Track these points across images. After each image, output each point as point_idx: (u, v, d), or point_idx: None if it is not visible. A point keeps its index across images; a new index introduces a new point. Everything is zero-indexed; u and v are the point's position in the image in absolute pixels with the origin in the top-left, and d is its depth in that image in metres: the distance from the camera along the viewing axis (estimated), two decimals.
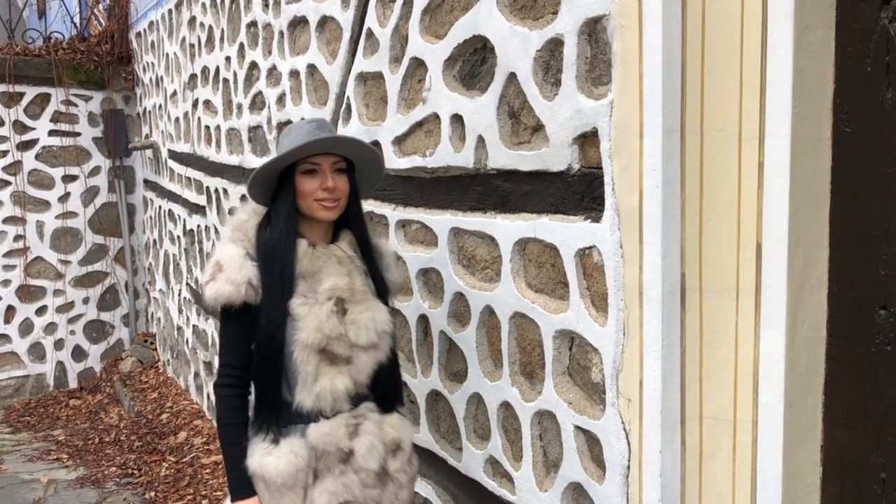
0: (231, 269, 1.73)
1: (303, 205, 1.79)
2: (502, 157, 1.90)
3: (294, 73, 3.13)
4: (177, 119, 5.11)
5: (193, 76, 4.60)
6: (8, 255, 5.96)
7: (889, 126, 1.26)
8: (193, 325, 5.15)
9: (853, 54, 1.32)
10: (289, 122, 3.24)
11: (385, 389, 1.90)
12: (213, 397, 4.83)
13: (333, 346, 1.75)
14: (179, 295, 5.46)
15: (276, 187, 1.82)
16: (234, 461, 1.76)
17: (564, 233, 1.72)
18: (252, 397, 1.83)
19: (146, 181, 6.26)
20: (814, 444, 1.43)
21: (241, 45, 3.72)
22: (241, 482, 1.75)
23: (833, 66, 1.35)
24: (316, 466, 1.75)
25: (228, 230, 1.83)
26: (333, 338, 1.74)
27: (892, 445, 1.30)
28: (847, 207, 1.36)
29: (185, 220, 5.12)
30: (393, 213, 2.46)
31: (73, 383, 6.28)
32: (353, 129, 2.66)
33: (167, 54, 5.19)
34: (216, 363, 4.66)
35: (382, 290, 1.90)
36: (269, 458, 1.72)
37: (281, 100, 3.29)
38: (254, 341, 1.76)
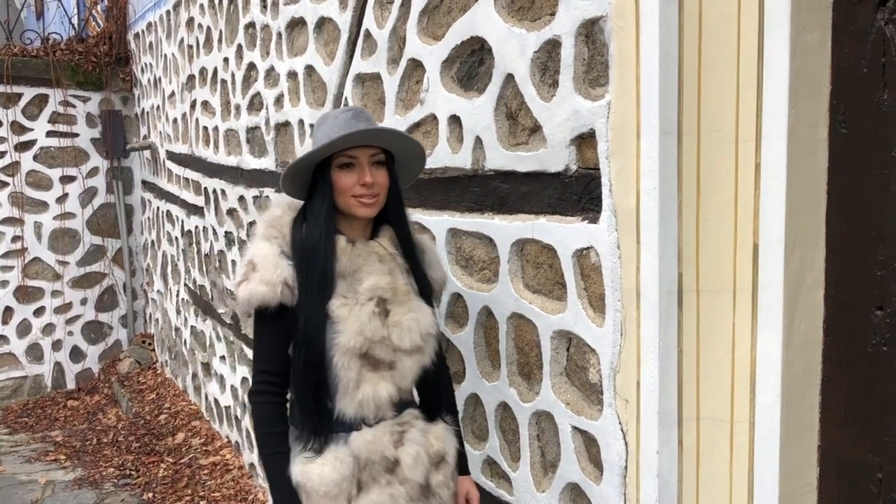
0: (266, 269, 1.62)
1: (340, 201, 1.68)
2: (500, 158, 1.90)
3: (292, 74, 3.13)
4: (175, 120, 5.11)
5: (191, 77, 4.60)
6: (6, 256, 5.96)
7: (885, 127, 1.27)
8: (191, 326, 5.14)
9: (849, 56, 1.32)
10: (286, 123, 3.24)
11: (429, 396, 1.80)
12: (210, 398, 4.84)
13: (376, 351, 1.63)
14: (177, 296, 5.46)
15: (312, 182, 1.71)
16: (277, 470, 1.64)
17: (562, 233, 1.72)
18: (289, 404, 1.74)
19: (144, 182, 6.26)
20: (810, 445, 1.43)
21: (240, 47, 3.72)
22: (288, 493, 1.63)
23: (829, 67, 1.36)
24: (360, 477, 1.64)
25: (262, 226, 1.72)
26: (376, 341, 1.63)
27: (889, 445, 1.31)
28: (843, 208, 1.36)
29: (183, 221, 5.11)
30: None
31: (70, 384, 6.27)
32: None
33: (165, 55, 5.19)
34: (215, 364, 4.67)
35: (426, 290, 1.77)
36: (311, 465, 1.62)
37: (279, 101, 3.29)
38: (291, 346, 1.66)
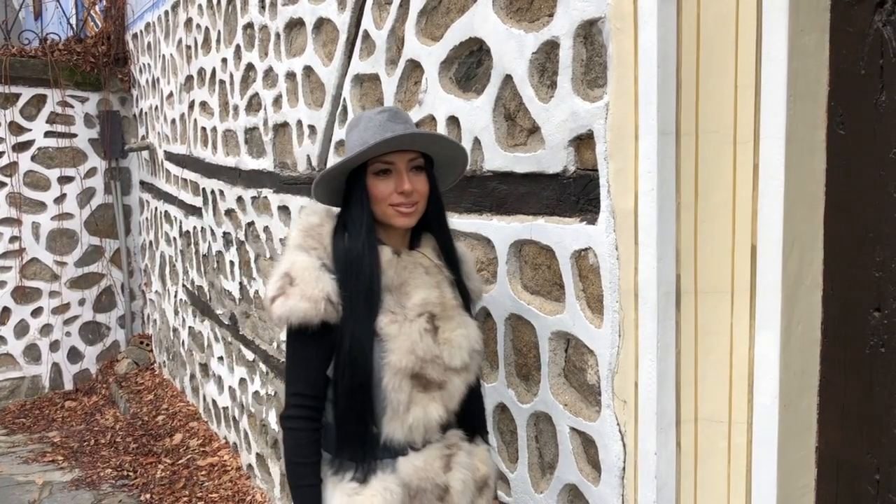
0: (306, 283, 1.48)
1: (377, 210, 1.55)
2: (498, 158, 1.90)
3: (290, 75, 3.13)
4: (173, 120, 5.10)
5: (190, 78, 4.60)
6: (3, 256, 5.95)
7: (883, 128, 1.27)
8: (189, 327, 5.14)
9: (847, 57, 1.33)
10: (285, 123, 3.24)
11: (471, 415, 1.70)
12: (208, 399, 4.83)
13: (427, 370, 1.52)
14: (175, 297, 5.45)
15: (347, 188, 1.59)
16: None
17: (560, 234, 1.72)
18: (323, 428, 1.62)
19: (142, 183, 6.26)
20: (808, 446, 1.43)
21: (238, 47, 3.72)
22: None
23: (827, 68, 1.36)
24: None
25: (297, 236, 1.57)
26: (427, 360, 1.51)
27: (886, 446, 1.31)
28: (841, 210, 1.36)
29: (181, 222, 5.11)
30: None
31: (68, 385, 6.26)
32: None
33: (164, 56, 5.19)
34: (213, 365, 4.67)
35: (468, 302, 1.67)
36: (357, 498, 1.49)
37: (277, 101, 3.29)
38: (333, 366, 1.53)
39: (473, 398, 1.68)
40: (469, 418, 1.69)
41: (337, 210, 1.63)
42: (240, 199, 3.87)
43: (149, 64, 5.67)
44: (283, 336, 1.63)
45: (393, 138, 1.49)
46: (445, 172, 1.68)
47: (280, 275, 1.51)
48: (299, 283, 1.48)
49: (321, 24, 2.85)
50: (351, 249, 1.52)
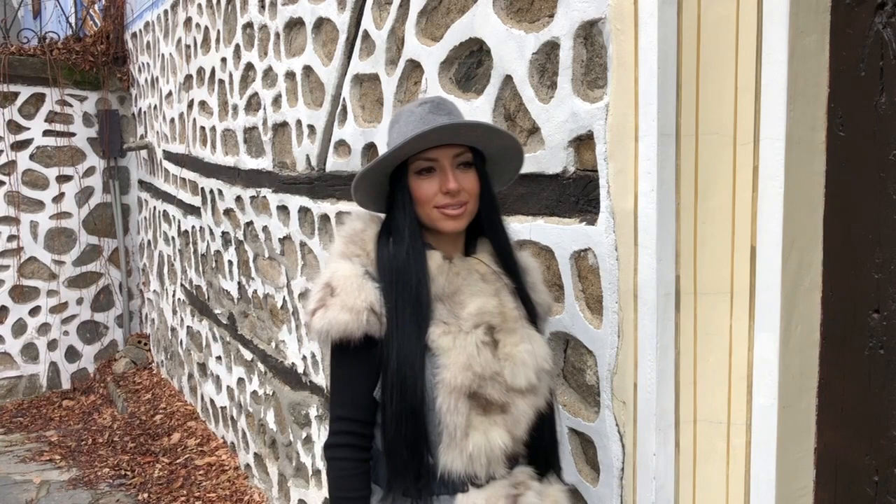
0: (347, 293, 1.34)
1: (421, 213, 1.39)
2: None
3: (290, 75, 3.13)
4: (172, 120, 5.10)
5: (189, 77, 4.60)
6: (1, 255, 5.94)
7: (883, 130, 1.27)
8: (188, 327, 5.13)
9: (847, 59, 1.33)
10: (284, 123, 3.24)
11: (542, 448, 1.47)
12: (206, 398, 4.83)
13: (486, 389, 1.32)
14: (174, 296, 5.45)
15: (390, 191, 1.43)
16: None
17: (560, 235, 1.72)
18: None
19: (141, 182, 6.25)
20: (807, 447, 1.43)
21: (237, 47, 3.72)
22: None
23: (827, 70, 1.36)
24: None
25: (340, 243, 1.44)
26: (487, 378, 1.32)
27: (885, 448, 1.31)
28: (841, 211, 1.36)
29: (179, 221, 5.11)
30: None
31: (66, 384, 6.26)
32: (349, 130, 2.66)
33: (163, 55, 5.18)
34: (211, 364, 4.67)
35: (533, 315, 1.46)
36: None
37: (277, 101, 3.29)
38: (380, 386, 1.36)
39: (545, 428, 1.45)
40: (539, 452, 1.46)
41: (383, 215, 1.47)
42: (238, 199, 3.87)
43: (148, 63, 5.67)
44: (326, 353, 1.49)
45: (430, 131, 1.31)
46: (500, 169, 1.49)
47: (321, 286, 1.38)
48: (340, 293, 1.35)
49: (321, 23, 2.85)
50: (396, 256, 1.37)
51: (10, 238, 5.95)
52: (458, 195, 1.36)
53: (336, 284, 1.36)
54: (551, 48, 1.71)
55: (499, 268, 1.44)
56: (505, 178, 1.54)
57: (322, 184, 2.92)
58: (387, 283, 1.36)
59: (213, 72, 4.14)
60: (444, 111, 1.40)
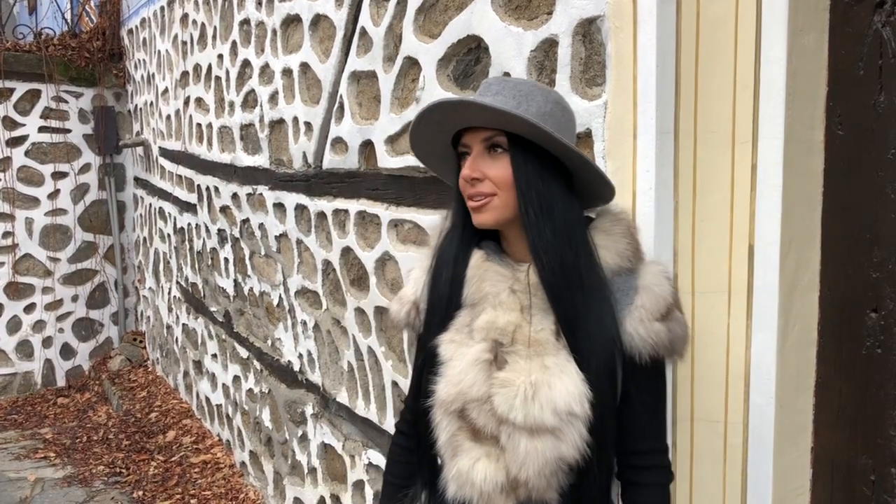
0: (408, 283, 1.33)
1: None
2: None
3: (287, 72, 3.12)
4: (168, 116, 5.08)
5: (185, 74, 4.58)
6: None
7: (881, 129, 1.27)
8: (183, 324, 5.12)
9: (846, 58, 1.32)
10: (281, 120, 3.23)
11: None
12: (202, 396, 4.82)
13: (472, 412, 1.16)
14: (169, 293, 5.43)
15: None
16: None
17: None
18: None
19: (137, 179, 6.23)
20: (804, 446, 1.43)
21: (234, 43, 3.71)
22: None
23: (826, 69, 1.36)
24: None
25: (433, 232, 1.35)
26: (472, 399, 1.15)
27: (882, 448, 1.31)
28: (839, 210, 1.36)
29: (175, 218, 5.09)
30: (385, 212, 2.46)
31: (61, 381, 6.24)
32: (346, 128, 2.65)
33: (159, 51, 5.17)
34: (206, 362, 4.66)
35: (584, 348, 1.15)
36: None
37: (273, 98, 3.28)
38: None
39: (597, 490, 1.18)
40: None
41: None
42: (235, 196, 3.86)
43: (144, 60, 5.65)
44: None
45: (434, 106, 1.16)
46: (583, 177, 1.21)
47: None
48: (407, 281, 1.33)
49: (318, 20, 2.84)
50: (444, 249, 1.27)
51: (5, 235, 5.93)
52: (478, 185, 1.17)
53: (411, 275, 1.34)
54: (550, 46, 1.70)
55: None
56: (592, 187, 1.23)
57: (319, 181, 2.91)
58: (428, 279, 1.29)
59: (209, 68, 4.13)
60: (494, 90, 1.18)
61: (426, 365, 1.24)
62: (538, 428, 1.12)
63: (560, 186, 1.17)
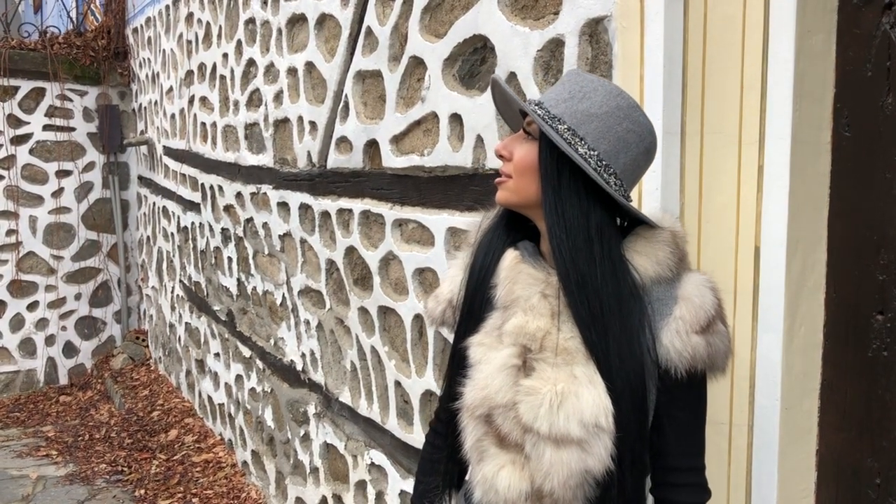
0: (445, 281, 1.29)
1: None
2: None
3: (292, 71, 3.12)
4: (172, 115, 5.09)
5: (190, 73, 4.59)
6: (0, 249, 5.93)
7: (889, 131, 1.27)
8: (186, 323, 5.12)
9: (854, 59, 1.32)
10: (285, 119, 3.23)
11: None
12: (204, 395, 4.82)
13: (497, 419, 1.12)
14: (172, 292, 5.43)
15: None
16: None
17: None
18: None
19: (140, 178, 6.24)
20: (809, 449, 1.43)
21: (239, 42, 3.71)
22: None
23: (834, 70, 1.35)
24: None
25: (471, 229, 1.33)
26: (498, 405, 1.12)
27: (887, 450, 1.30)
28: (846, 212, 1.36)
29: (179, 217, 5.09)
30: (389, 211, 2.46)
31: (63, 379, 6.24)
32: (351, 127, 2.65)
33: (164, 50, 5.17)
34: (209, 361, 4.66)
35: (610, 359, 1.10)
36: None
37: (278, 97, 3.28)
38: None
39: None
40: None
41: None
42: (239, 195, 3.86)
43: (149, 58, 5.66)
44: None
45: (493, 81, 1.23)
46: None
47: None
48: (445, 278, 1.30)
49: (323, 19, 2.84)
50: (483, 247, 1.23)
51: (9, 233, 5.94)
52: (504, 164, 1.17)
53: (447, 271, 1.32)
54: (556, 45, 1.70)
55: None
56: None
57: (323, 180, 2.91)
58: (465, 277, 1.25)
59: (214, 67, 4.13)
60: (561, 81, 1.19)
61: (456, 366, 1.21)
62: (563, 439, 1.07)
63: (576, 190, 1.11)
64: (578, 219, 1.11)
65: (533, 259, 1.18)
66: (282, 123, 3.30)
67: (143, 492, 4.07)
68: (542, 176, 1.12)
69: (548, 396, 1.08)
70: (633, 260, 1.13)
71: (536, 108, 1.12)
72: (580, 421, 1.06)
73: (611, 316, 1.10)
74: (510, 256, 1.18)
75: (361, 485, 2.79)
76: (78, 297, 6.27)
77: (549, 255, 1.17)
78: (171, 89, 5.09)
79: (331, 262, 2.92)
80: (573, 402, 1.07)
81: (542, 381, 1.09)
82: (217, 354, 4.50)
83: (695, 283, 1.13)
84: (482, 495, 1.14)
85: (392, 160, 2.40)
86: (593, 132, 1.10)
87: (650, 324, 1.11)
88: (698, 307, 1.10)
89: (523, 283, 1.16)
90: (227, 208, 4.07)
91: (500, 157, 1.17)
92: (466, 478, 1.21)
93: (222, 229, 4.19)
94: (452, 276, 1.28)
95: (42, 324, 6.14)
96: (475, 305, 1.21)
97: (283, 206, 3.31)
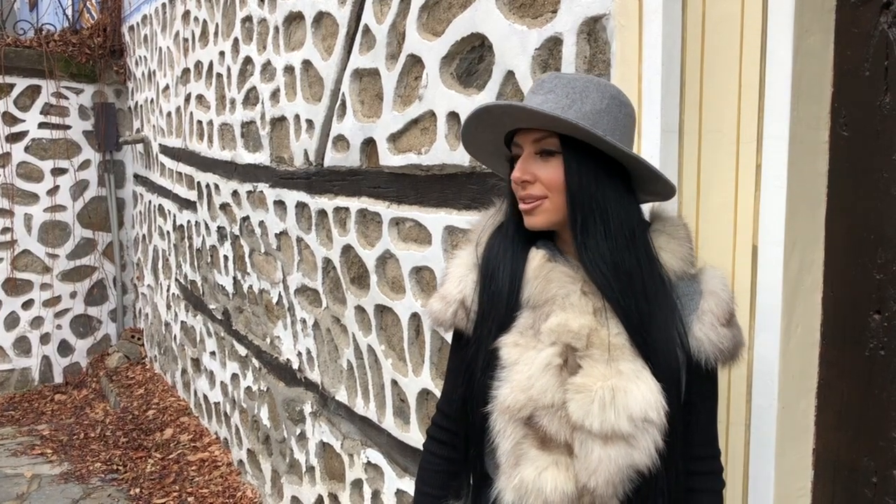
0: (451, 281, 1.26)
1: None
2: None
3: (289, 69, 3.11)
4: (169, 113, 5.08)
5: (186, 71, 4.57)
6: None
7: (887, 130, 1.27)
8: (182, 322, 5.11)
9: (852, 58, 1.32)
10: (282, 118, 3.22)
11: None
12: (200, 394, 4.81)
13: (543, 420, 1.11)
14: (168, 291, 5.42)
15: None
16: None
17: None
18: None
19: (136, 176, 6.22)
20: (806, 448, 1.43)
21: (236, 40, 3.70)
22: None
23: (832, 69, 1.36)
24: None
25: (474, 226, 1.33)
26: (544, 406, 1.11)
27: (884, 449, 1.30)
28: (843, 211, 1.36)
29: (175, 216, 5.08)
30: (387, 210, 2.45)
31: (58, 378, 6.22)
32: (348, 125, 2.65)
33: (160, 48, 5.16)
34: (205, 360, 4.65)
35: (657, 352, 1.13)
36: None
37: (275, 95, 3.27)
38: None
39: (657, 496, 1.13)
40: None
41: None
42: (235, 194, 3.85)
43: (145, 56, 5.64)
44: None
45: (484, 109, 1.16)
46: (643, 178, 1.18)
47: (444, 270, 1.31)
48: (446, 280, 1.28)
49: (321, 17, 2.83)
50: (494, 247, 1.23)
51: (4, 230, 5.92)
52: (529, 187, 1.15)
53: (448, 271, 1.29)
54: (554, 44, 1.70)
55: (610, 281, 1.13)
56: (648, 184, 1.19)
57: (320, 179, 2.91)
58: (480, 277, 1.23)
59: (210, 65, 4.12)
60: (546, 88, 1.15)
61: (485, 369, 1.17)
62: (613, 435, 1.08)
63: (616, 189, 1.13)
64: (622, 220, 1.13)
65: (563, 258, 1.18)
66: (278, 122, 3.29)
67: (138, 491, 4.06)
68: (576, 187, 1.12)
69: (599, 393, 1.08)
70: (659, 257, 1.16)
71: (569, 121, 1.09)
72: (629, 416, 1.07)
73: (657, 311, 1.13)
74: (538, 256, 1.18)
75: (358, 484, 2.78)
76: (73, 295, 6.25)
77: (570, 254, 1.18)
78: (167, 87, 5.07)
79: (327, 261, 2.91)
80: (622, 398, 1.08)
81: (591, 379, 1.09)
82: (213, 353, 4.49)
83: (717, 279, 1.19)
84: (516, 499, 1.12)
85: (389, 159, 2.39)
86: (608, 127, 1.12)
87: (680, 318, 1.15)
88: (724, 301, 1.17)
89: (558, 281, 1.15)
90: (224, 206, 4.06)
91: (525, 182, 1.15)
92: (493, 486, 1.18)
93: (218, 228, 4.18)
94: (461, 277, 1.25)
95: (37, 322, 6.11)
96: (500, 307, 1.19)
97: (280, 204, 3.30)
